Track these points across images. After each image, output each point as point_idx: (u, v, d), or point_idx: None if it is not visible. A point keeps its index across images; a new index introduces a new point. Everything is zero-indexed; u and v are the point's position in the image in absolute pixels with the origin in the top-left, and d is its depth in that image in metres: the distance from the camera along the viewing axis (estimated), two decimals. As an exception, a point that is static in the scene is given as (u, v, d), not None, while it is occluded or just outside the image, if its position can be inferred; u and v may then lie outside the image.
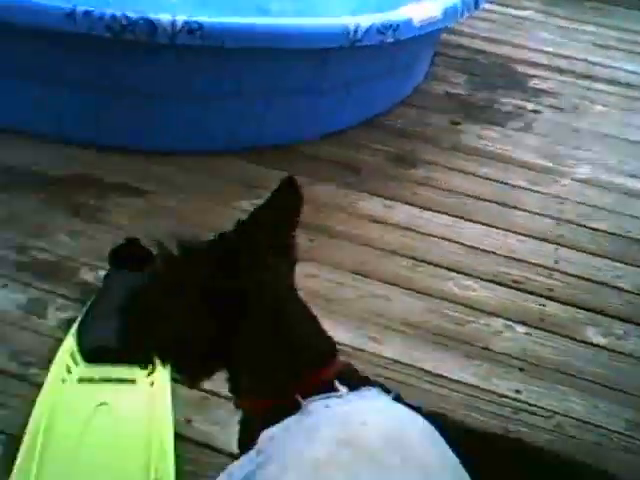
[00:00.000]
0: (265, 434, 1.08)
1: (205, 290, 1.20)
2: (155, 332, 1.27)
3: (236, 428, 1.78)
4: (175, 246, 1.26)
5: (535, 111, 3.72)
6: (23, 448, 1.73)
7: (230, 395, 1.37)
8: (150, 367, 1.84)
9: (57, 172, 2.82)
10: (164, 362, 1.33)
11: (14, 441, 1.79)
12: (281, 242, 1.26)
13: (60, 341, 2.06)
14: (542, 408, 2.12)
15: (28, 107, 2.97)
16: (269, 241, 1.24)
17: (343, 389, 1.13)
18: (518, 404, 2.11)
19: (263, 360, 1.25)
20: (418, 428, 1.08)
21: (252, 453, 1.07)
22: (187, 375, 1.33)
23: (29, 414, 1.83)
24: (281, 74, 2.98)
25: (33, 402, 1.86)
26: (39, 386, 1.92)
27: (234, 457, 1.56)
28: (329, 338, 1.29)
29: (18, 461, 1.70)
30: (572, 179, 3.23)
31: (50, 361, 1.98)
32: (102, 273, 2.30)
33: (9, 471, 1.69)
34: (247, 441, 1.32)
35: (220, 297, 1.21)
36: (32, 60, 2.83)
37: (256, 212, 1.29)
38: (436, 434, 1.09)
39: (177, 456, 1.75)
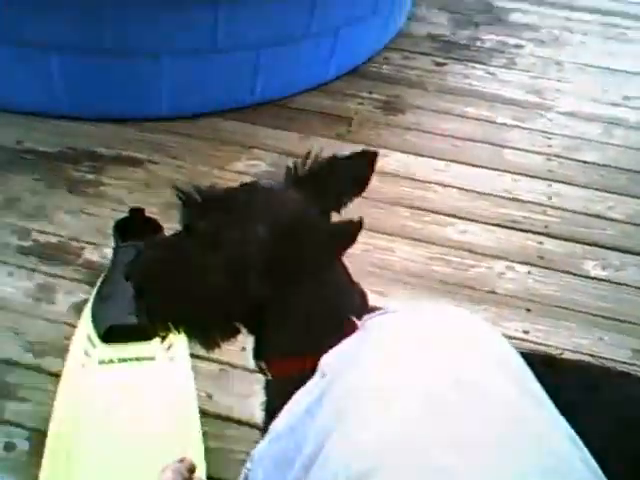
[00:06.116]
0: (326, 358, 1.00)
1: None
2: (173, 298, 1.23)
3: (255, 399, 1.82)
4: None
5: (517, 46, 3.72)
6: (49, 441, 1.69)
7: (250, 366, 1.32)
8: (168, 341, 1.83)
9: (48, 148, 2.78)
10: (181, 330, 1.27)
11: (39, 435, 1.76)
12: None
13: (72, 326, 2.01)
14: (551, 346, 2.16)
15: (14, 81, 2.90)
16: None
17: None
18: (528, 344, 2.14)
19: (299, 318, 1.18)
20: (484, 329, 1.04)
21: (315, 378, 0.99)
22: (205, 340, 1.25)
23: (51, 405, 1.79)
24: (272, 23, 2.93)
25: (53, 392, 1.82)
26: (57, 375, 1.87)
27: (257, 428, 1.58)
28: (362, 292, 1.25)
29: (46, 454, 1.66)
30: (557, 112, 3.25)
31: (65, 348, 1.93)
32: (107, 251, 2.28)
33: (38, 465, 1.65)
34: (278, 406, 1.23)
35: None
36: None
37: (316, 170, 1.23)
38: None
39: (203, 433, 1.73)
